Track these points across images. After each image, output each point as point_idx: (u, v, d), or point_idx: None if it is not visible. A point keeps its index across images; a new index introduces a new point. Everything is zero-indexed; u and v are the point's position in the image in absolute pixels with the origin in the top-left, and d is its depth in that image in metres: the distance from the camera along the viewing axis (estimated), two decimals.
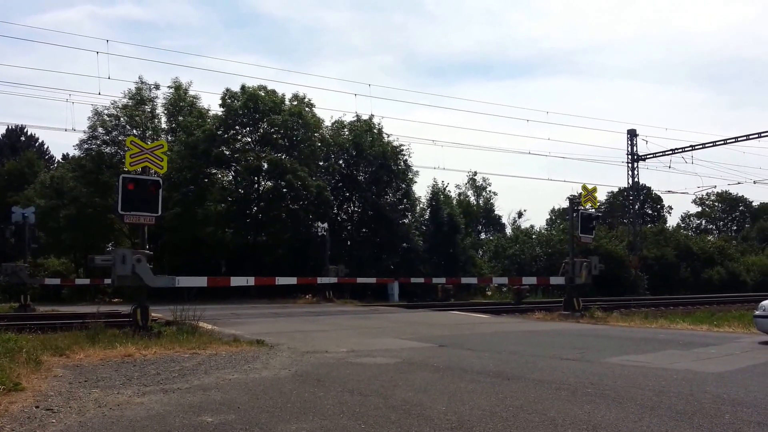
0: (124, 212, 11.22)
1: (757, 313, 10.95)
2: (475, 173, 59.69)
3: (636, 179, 45.57)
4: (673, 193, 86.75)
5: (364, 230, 37.63)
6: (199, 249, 33.12)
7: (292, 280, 22.87)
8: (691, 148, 41.63)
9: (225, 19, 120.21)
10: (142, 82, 34.83)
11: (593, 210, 18.23)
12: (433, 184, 41.13)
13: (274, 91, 35.63)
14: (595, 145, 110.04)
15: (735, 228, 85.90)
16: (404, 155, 37.52)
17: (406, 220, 38.29)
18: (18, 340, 8.92)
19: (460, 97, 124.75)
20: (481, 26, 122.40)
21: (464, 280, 33.35)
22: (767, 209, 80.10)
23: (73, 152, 37.54)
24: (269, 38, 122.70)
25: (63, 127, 73.83)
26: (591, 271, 17.48)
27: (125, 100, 34.23)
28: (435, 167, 53.63)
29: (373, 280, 30.38)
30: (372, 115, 37.71)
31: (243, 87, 35.00)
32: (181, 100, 35.39)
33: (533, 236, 46.50)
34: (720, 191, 73.87)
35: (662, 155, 42.98)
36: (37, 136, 60.29)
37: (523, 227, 55.48)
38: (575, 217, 17.67)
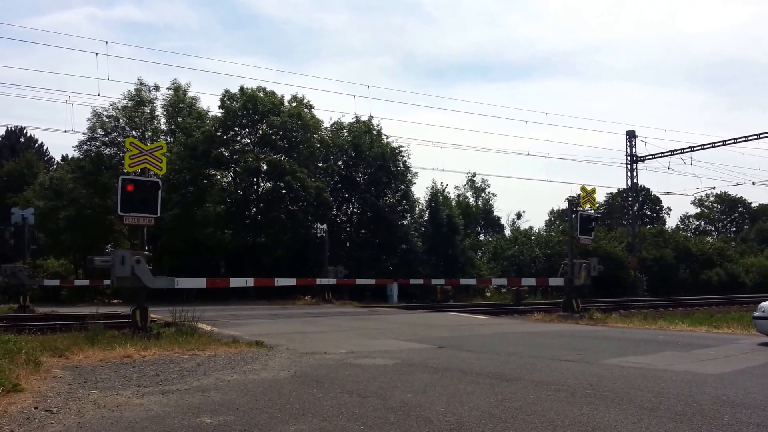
0: (124, 213, 11.24)
1: (756, 314, 10.96)
2: (474, 174, 59.71)
3: (635, 180, 45.57)
4: (672, 194, 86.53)
5: (363, 231, 37.63)
6: (199, 250, 33.12)
7: (291, 282, 22.88)
8: (690, 150, 41.64)
9: (224, 20, 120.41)
10: (142, 84, 34.91)
11: (592, 211, 18.25)
12: (432, 185, 41.16)
13: (273, 93, 35.66)
14: (593, 146, 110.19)
15: (734, 229, 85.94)
16: (403, 156, 37.61)
17: (405, 222, 38.29)
18: (17, 341, 8.92)
19: (459, 99, 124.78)
20: (479, 27, 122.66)
21: (463, 282, 33.32)
22: (766, 210, 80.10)
23: (73, 153, 37.65)
24: (268, 39, 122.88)
25: (62, 128, 73.79)
26: (590, 273, 17.49)
27: (124, 102, 34.31)
28: (434, 168, 53.70)
29: (372, 281, 30.37)
30: (371, 117, 37.82)
31: (242, 88, 35.01)
32: (180, 102, 35.39)
33: (532, 237, 46.49)
34: (719, 192, 73.96)
35: (661, 156, 42.99)
36: (36, 137, 60.40)
37: (522, 228, 55.47)
38: (574, 218, 17.69)
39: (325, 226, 30.03)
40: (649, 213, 77.30)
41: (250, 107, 34.38)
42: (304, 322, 15.79)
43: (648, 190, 66.36)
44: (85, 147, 33.88)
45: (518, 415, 5.09)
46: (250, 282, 19.68)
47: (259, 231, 34.58)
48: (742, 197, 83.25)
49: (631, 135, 44.56)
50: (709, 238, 66.66)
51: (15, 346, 8.28)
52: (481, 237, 58.56)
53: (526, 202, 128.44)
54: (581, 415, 5.08)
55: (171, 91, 35.42)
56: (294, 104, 35.96)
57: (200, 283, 16.74)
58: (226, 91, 34.97)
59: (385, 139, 37.52)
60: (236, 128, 35.13)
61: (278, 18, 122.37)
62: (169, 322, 12.51)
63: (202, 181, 34.16)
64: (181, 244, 32.41)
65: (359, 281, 29.02)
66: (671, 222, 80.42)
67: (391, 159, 36.94)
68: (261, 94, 34.95)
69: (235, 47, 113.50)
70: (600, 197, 53.61)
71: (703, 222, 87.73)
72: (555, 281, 19.29)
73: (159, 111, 35.70)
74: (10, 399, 5.68)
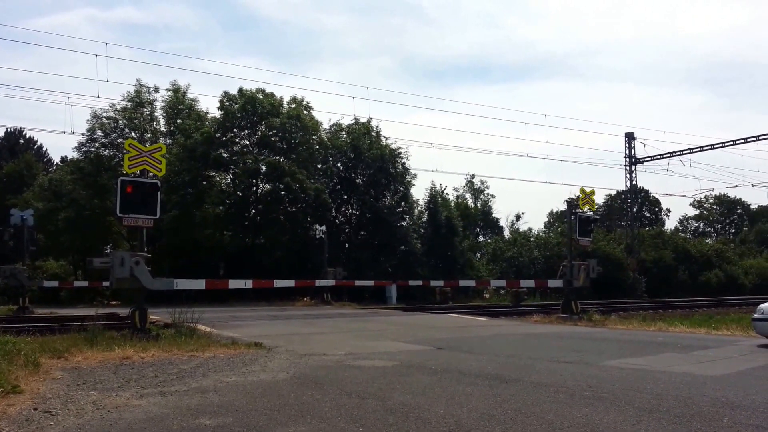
0: (123, 215, 11.24)
1: (755, 316, 10.95)
2: (473, 176, 59.58)
3: (634, 182, 45.62)
4: (671, 195, 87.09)
5: (362, 233, 37.64)
6: (198, 251, 33.10)
7: (290, 283, 22.89)
8: (689, 151, 41.71)
9: (223, 22, 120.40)
10: (141, 85, 34.88)
11: (591, 213, 18.25)
12: (431, 187, 41.20)
13: (272, 94, 35.66)
14: (593, 147, 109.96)
15: (733, 231, 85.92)
16: (402, 158, 37.67)
17: (404, 223, 38.29)
18: (16, 342, 8.91)
19: (458, 100, 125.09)
20: (478, 29, 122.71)
21: (462, 283, 33.33)
22: (765, 212, 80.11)
23: (72, 155, 37.66)
24: (267, 41, 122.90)
25: (62, 129, 73.95)
26: (589, 274, 17.49)
27: (124, 103, 34.25)
28: (433, 170, 53.67)
29: (371, 282, 30.35)
30: (370, 118, 37.86)
31: (241, 90, 35.03)
32: (179, 103, 35.38)
33: (531, 239, 46.47)
34: (718, 194, 74.03)
35: (660, 158, 43.06)
36: (35, 138, 60.23)
37: (521, 230, 55.50)
38: (573, 219, 17.69)
39: (324, 228, 30.02)
40: (648, 214, 77.39)
41: (250, 109, 34.39)
42: (303, 324, 15.79)
43: (647, 191, 66.52)
44: (85, 148, 33.87)
45: (517, 417, 5.09)
46: (249, 283, 19.71)
47: (258, 232, 34.58)
48: (741, 199, 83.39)
49: (630, 136, 44.64)
50: (708, 240, 66.75)
51: (14, 348, 8.27)
52: (480, 238, 58.54)
53: (525, 204, 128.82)
54: (580, 417, 5.08)
55: (170, 93, 35.43)
56: (293, 106, 35.97)
57: (199, 284, 16.76)
58: (225, 93, 35.03)
59: (384, 141, 37.61)
60: (235, 130, 35.14)
61: (277, 19, 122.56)
62: (168, 324, 12.52)
63: (202, 183, 34.15)
64: (181, 246, 32.39)
65: (358, 283, 29.02)
66: (670, 224, 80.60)
67: (390, 160, 36.96)
68: (260, 96, 34.96)
69: (235, 48, 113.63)
70: (599, 199, 53.45)
71: (702, 224, 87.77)
72: (554, 283, 19.29)
73: (158, 112, 35.74)
74: (9, 400, 5.68)
